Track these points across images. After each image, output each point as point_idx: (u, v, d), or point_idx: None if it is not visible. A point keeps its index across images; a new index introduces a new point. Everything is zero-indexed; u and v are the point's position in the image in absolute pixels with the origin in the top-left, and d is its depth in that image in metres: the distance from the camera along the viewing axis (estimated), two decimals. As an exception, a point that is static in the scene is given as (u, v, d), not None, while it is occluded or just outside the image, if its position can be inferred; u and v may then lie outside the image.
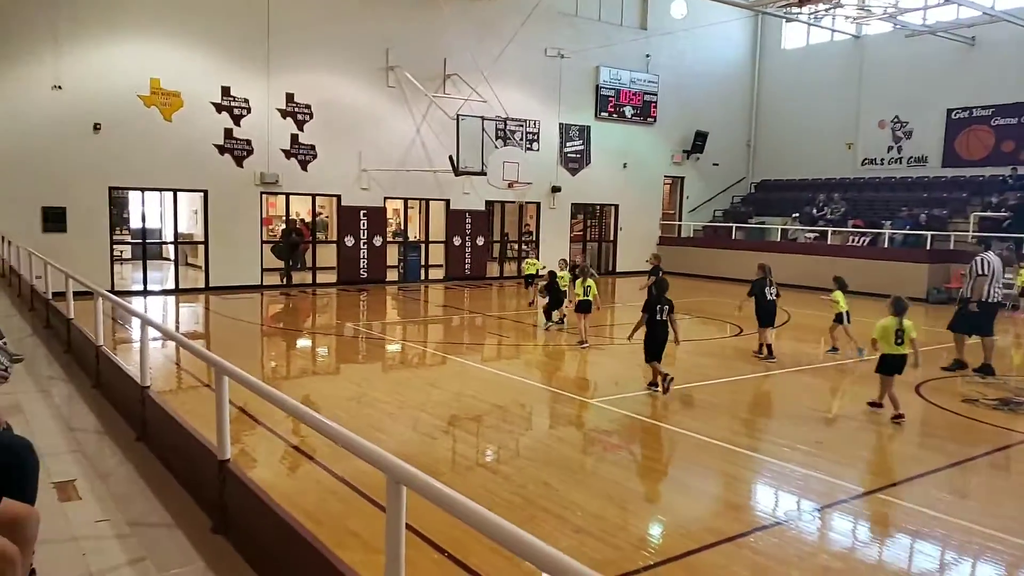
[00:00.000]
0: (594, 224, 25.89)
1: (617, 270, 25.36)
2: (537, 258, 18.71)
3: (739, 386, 9.62)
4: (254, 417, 7.21)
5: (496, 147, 19.79)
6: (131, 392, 5.80)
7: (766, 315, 11.04)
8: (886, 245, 21.01)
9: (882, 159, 24.85)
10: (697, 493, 5.97)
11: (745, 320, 14.37)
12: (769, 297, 11.04)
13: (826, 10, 22.11)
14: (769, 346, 10.99)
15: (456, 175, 19.70)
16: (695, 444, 7.13)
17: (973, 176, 22.41)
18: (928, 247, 19.95)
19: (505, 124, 20.81)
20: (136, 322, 8.27)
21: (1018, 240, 18.46)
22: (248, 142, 18.33)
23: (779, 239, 23.77)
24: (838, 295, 11.38)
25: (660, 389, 8.73)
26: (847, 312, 11.36)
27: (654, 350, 8.89)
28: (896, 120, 24.45)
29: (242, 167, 18.32)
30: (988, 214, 19.94)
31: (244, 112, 18.21)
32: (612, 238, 25.68)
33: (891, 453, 7.10)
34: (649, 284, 11.92)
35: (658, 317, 8.91)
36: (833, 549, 5.01)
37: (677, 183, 27.38)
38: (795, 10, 21.27)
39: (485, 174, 19.41)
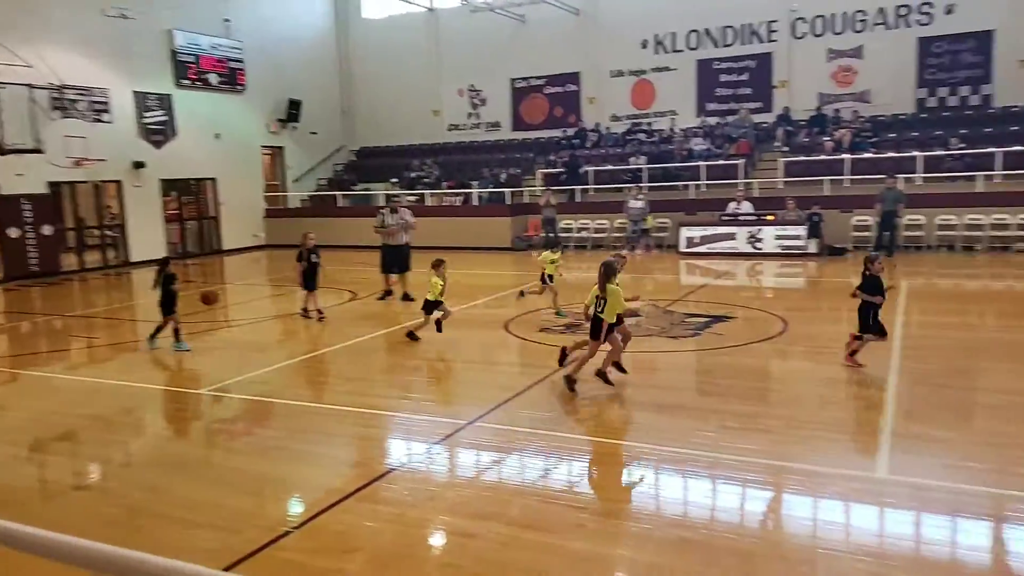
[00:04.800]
0: (191, 201, 24.04)
1: (223, 247, 24.03)
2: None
3: (353, 349, 9.96)
4: None
5: (52, 119, 17.07)
6: None
7: (310, 279, 11.83)
8: (476, 203, 23.32)
9: (464, 124, 27.33)
10: (318, 460, 6.09)
11: (358, 284, 14.83)
12: (314, 260, 11.75)
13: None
14: (319, 309, 11.74)
15: (2, 154, 16.54)
16: (315, 413, 7.23)
17: (537, 138, 25.90)
18: (509, 203, 22.63)
19: (62, 93, 18.02)
20: None
21: (571, 191, 21.95)
22: None
23: (382, 203, 24.78)
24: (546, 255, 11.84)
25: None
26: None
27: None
28: (472, 88, 27.01)
29: None
30: (550, 170, 23.29)
31: None
32: (214, 214, 24.18)
33: (484, 385, 8.04)
34: None
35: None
36: (441, 480, 5.57)
37: (277, 153, 26.75)
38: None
39: (43, 151, 16.65)
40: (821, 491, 5.10)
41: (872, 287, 7.75)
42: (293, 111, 26.22)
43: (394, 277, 13.23)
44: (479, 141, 26.86)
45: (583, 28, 24.67)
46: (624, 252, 18.32)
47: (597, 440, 6.13)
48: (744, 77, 22.94)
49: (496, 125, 26.80)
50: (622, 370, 7.61)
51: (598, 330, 7.20)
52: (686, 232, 19.24)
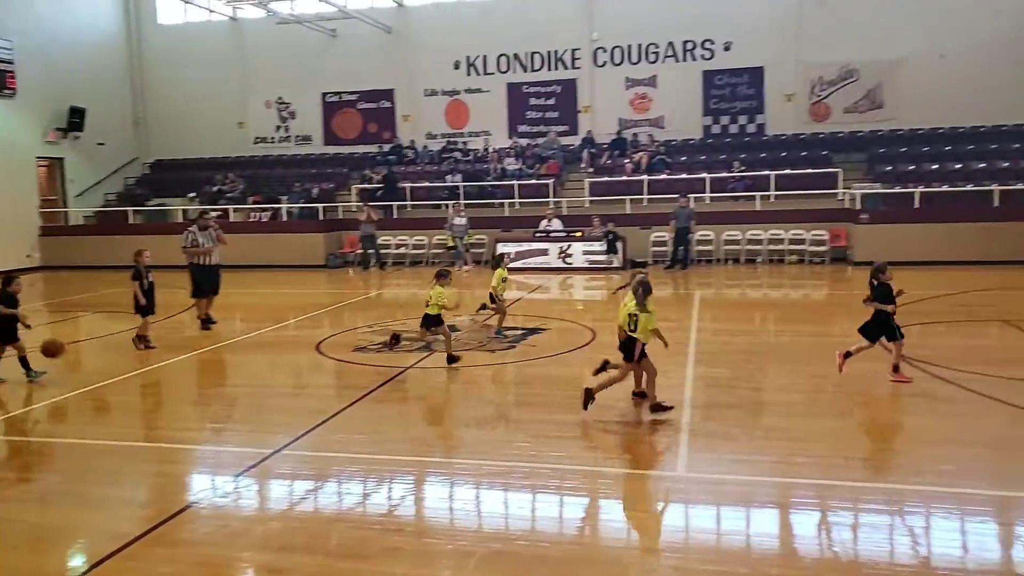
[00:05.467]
0: (-53, 217, 20.96)
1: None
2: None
3: (148, 378, 9.09)
4: None
5: None
6: None
7: (148, 301, 10.39)
8: (285, 219, 22.37)
9: (272, 138, 26.20)
10: (104, 503, 5.43)
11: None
12: (151, 280, 10.49)
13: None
14: (145, 336, 10.50)
15: None
16: (103, 451, 6.46)
17: (351, 153, 25.39)
18: (321, 218, 21.93)
19: None
20: None
21: (388, 207, 21.70)
22: None
23: (182, 220, 23.06)
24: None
25: None
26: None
27: None
28: (281, 101, 25.99)
29: None
30: (365, 186, 22.88)
31: None
32: (-24, 233, 21.26)
33: (295, 410, 7.61)
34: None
35: None
36: (247, 514, 5.17)
37: (56, 165, 24.07)
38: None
39: None
40: (629, 492, 5.32)
41: (883, 296, 7.73)
42: (76, 119, 23.75)
43: (203, 300, 12.10)
44: (289, 155, 25.87)
45: (396, 46, 24.60)
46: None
47: (415, 459, 6.00)
48: (552, 101, 23.97)
49: (307, 139, 25.96)
50: (643, 397, 7.05)
51: (631, 351, 6.71)
52: (502, 248, 19.64)
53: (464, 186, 21.68)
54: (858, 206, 18.28)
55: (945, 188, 18.28)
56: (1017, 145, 19.69)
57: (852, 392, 7.62)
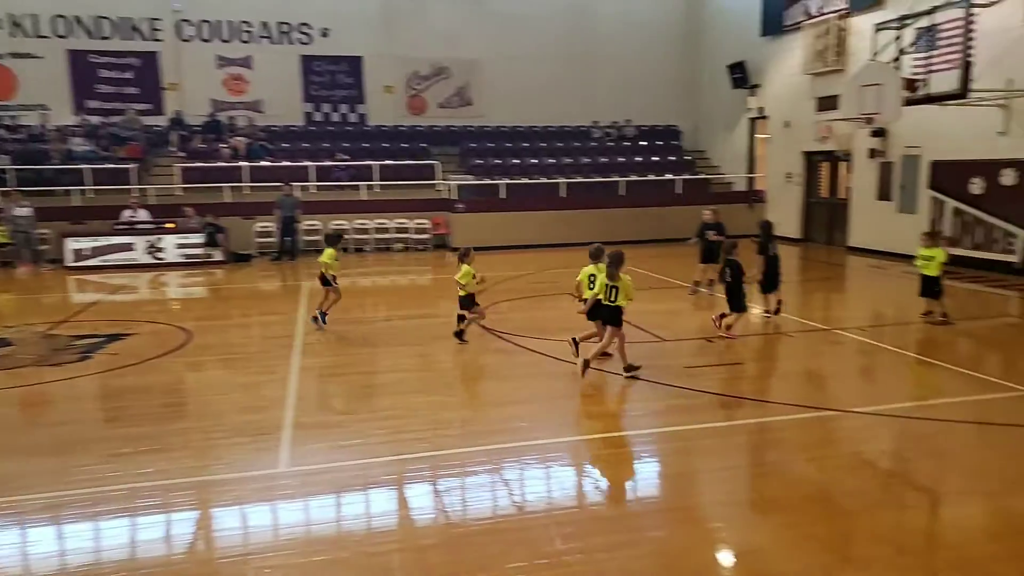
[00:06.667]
0: None
1: None
2: None
3: None
4: None
5: None
6: None
7: None
8: None
9: None
10: None
11: None
12: None
13: None
14: None
15: None
16: None
17: None
18: None
19: None
20: None
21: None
22: None
23: None
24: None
25: None
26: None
27: None
28: None
29: None
30: None
31: None
32: None
33: None
34: None
35: None
36: None
37: None
38: None
39: None
40: (230, 498, 4.85)
41: (738, 270, 8.71)
42: None
43: None
44: None
45: (-98, -11, 19.30)
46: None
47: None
48: (129, 75, 21.08)
49: None
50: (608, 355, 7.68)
51: (618, 317, 7.26)
52: (73, 243, 16.70)
53: (17, 170, 17.92)
54: (454, 196, 19.55)
55: (524, 181, 20.53)
56: (577, 144, 23.01)
57: (453, 366, 7.94)
